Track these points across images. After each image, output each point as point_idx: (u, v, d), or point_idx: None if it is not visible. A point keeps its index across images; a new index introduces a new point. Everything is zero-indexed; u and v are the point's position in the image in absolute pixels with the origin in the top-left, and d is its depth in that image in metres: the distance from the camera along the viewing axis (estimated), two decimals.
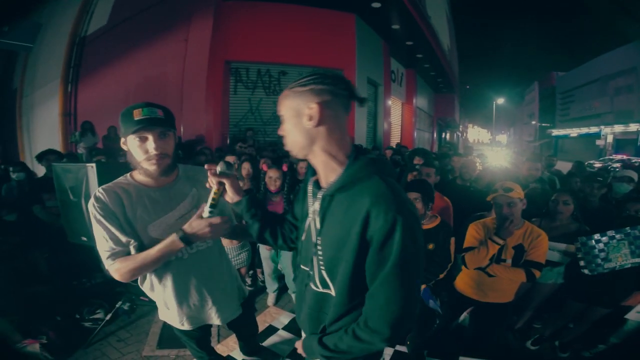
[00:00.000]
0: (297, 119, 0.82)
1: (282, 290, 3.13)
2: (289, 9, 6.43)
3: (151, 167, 1.08)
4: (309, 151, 0.85)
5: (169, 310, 1.27)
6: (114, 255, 1.06)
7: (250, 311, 1.60)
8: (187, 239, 1.03)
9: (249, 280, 3.27)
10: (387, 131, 9.72)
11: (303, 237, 0.96)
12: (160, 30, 6.25)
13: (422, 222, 2.10)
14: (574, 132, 29.98)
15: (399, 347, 2.31)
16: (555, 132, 33.95)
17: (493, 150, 13.56)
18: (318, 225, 0.87)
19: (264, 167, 2.78)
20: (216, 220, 1.03)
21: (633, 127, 21.38)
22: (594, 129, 26.21)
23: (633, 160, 14.52)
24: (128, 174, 1.16)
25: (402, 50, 9.98)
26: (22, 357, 2.07)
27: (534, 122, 40.75)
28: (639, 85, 21.73)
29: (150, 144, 1.05)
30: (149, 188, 1.14)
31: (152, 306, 2.62)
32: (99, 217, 1.05)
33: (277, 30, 6.34)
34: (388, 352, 2.30)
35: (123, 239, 1.07)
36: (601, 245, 1.95)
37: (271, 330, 2.54)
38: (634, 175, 3.15)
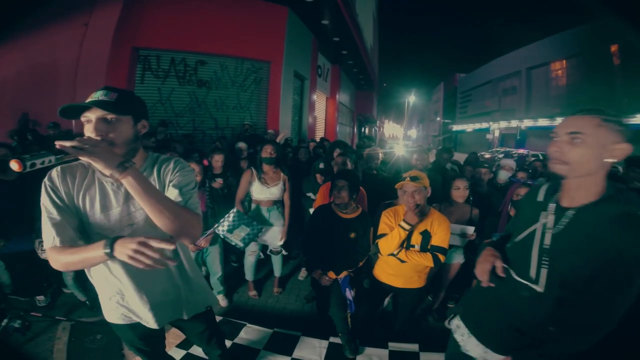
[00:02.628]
0: (601, 151, 0.91)
1: None
2: None
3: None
4: (579, 176, 0.97)
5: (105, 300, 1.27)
6: (53, 241, 1.01)
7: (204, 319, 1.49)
8: (111, 253, 0.92)
9: None
10: (312, 125, 9.88)
11: (518, 239, 1.10)
12: (55, 14, 5.41)
13: (346, 212, 2.17)
14: (469, 127, 35.02)
15: (332, 339, 2.37)
16: (455, 127, 39.23)
17: (401, 143, 15.06)
18: (549, 234, 1.01)
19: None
20: (153, 242, 0.88)
21: (514, 123, 25.93)
22: (485, 125, 31.01)
23: (513, 152, 17.68)
24: None
25: (329, 46, 10.19)
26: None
27: (438, 119, 46.34)
28: (521, 86, 26.17)
29: (89, 127, 0.99)
30: (106, 177, 1.07)
31: (48, 322, 2.38)
32: (45, 197, 1.03)
33: (198, 17, 5.87)
34: (323, 344, 2.35)
35: (67, 225, 1.03)
36: None
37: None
38: (513, 165, 3.80)
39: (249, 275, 2.99)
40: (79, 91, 5.27)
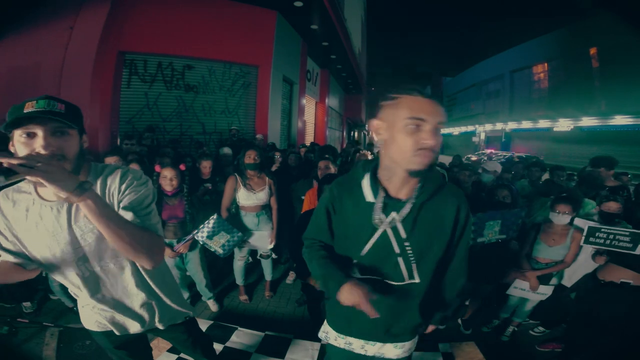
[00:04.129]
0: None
1: (195, 297, 2.94)
2: (204, 1, 6.01)
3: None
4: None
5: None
6: None
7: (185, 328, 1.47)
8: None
9: None
10: (301, 129, 9.92)
11: (367, 248, 1.05)
12: (39, 16, 5.31)
13: None
14: (456, 130, 35.70)
15: (324, 342, 2.40)
16: (442, 130, 39.86)
17: None
18: (402, 229, 1.00)
19: (157, 168, 2.52)
20: None
21: (499, 125, 26.56)
22: (470, 128, 31.65)
23: (499, 154, 18.12)
24: None
25: (318, 50, 10.25)
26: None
27: None
28: (504, 90, 26.84)
29: (39, 141, 0.86)
30: (47, 201, 0.97)
31: (35, 328, 2.36)
32: None
33: (185, 21, 5.84)
34: (315, 346, 2.38)
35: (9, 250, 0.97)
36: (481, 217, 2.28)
37: None
38: (498, 168, 3.92)
39: (239, 279, 2.99)
40: (63, 95, 5.08)
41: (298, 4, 6.53)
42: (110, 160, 2.81)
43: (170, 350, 2.24)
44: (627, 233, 1.87)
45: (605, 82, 17.18)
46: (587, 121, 18.13)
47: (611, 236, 1.89)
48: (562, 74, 20.87)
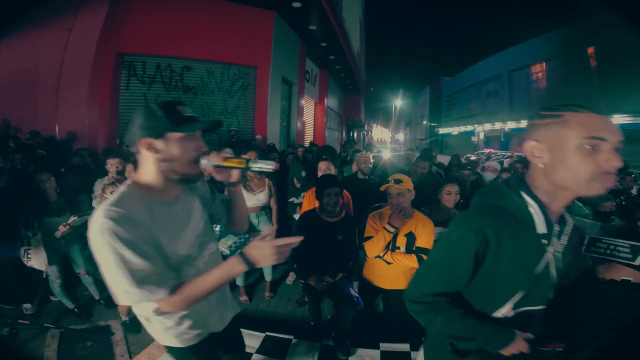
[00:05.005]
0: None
1: None
2: (202, 2, 6.02)
3: (193, 171, 0.98)
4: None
5: (177, 327, 1.10)
6: (155, 296, 0.90)
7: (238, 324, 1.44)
8: (250, 263, 0.93)
9: None
10: (300, 130, 9.93)
11: (534, 276, 0.90)
12: (38, 18, 5.34)
13: (332, 216, 2.22)
14: (455, 130, 35.72)
15: (325, 341, 2.40)
16: (441, 130, 39.95)
17: (389, 147, 15.28)
18: (562, 257, 0.91)
19: None
20: (281, 242, 0.92)
21: (498, 125, 26.58)
22: (470, 128, 31.68)
23: (499, 154, 18.13)
24: (131, 186, 0.97)
25: (317, 51, 10.27)
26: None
27: (424, 122, 47.12)
28: (503, 89, 26.87)
29: (200, 142, 0.98)
30: (164, 202, 1.01)
31: (36, 329, 2.36)
32: (121, 247, 0.85)
33: (184, 23, 5.86)
34: (315, 347, 2.37)
35: (157, 266, 0.91)
36: None
37: None
38: (497, 166, 3.94)
39: (239, 280, 3.00)
40: (62, 97, 5.16)
41: (296, 4, 6.55)
42: (112, 162, 2.82)
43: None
44: (627, 245, 1.90)
45: (604, 81, 17.22)
46: None
47: (612, 247, 1.91)
48: (560, 74, 20.91)
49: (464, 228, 0.89)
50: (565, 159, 0.79)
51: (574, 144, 0.77)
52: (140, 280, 0.87)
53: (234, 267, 0.93)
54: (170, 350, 1.18)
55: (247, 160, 1.03)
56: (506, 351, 0.89)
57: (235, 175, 1.13)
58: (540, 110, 0.86)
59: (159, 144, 0.93)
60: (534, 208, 0.86)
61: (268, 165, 1.05)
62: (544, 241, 0.88)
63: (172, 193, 1.04)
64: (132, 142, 0.96)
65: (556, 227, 0.88)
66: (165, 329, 1.10)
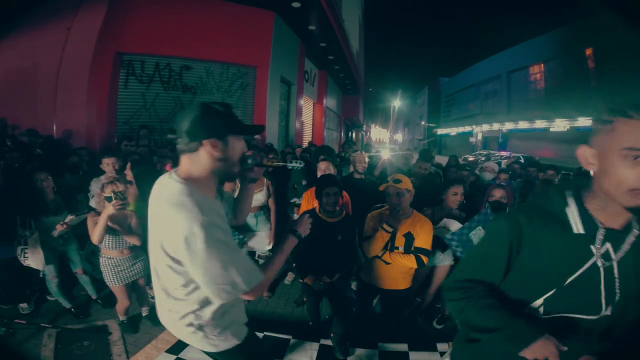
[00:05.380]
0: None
1: None
2: (201, 2, 6.01)
3: (237, 170, 1.09)
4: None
5: (235, 321, 1.18)
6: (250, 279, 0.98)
7: None
8: (300, 235, 1.18)
9: (151, 292, 2.95)
10: (299, 130, 9.93)
11: (570, 280, 0.88)
12: (37, 17, 5.32)
13: (331, 216, 2.22)
14: (453, 131, 35.79)
15: (323, 341, 2.40)
16: (440, 131, 40.03)
17: (388, 147, 15.35)
18: (617, 268, 0.87)
19: (168, 168, 2.53)
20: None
21: (496, 126, 26.64)
22: (468, 128, 31.75)
23: (496, 154, 18.19)
24: (185, 182, 0.99)
25: (316, 51, 10.27)
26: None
27: (423, 123, 47.18)
28: (501, 90, 26.95)
29: (244, 145, 1.08)
30: (210, 198, 1.05)
31: (33, 329, 2.35)
32: (225, 239, 0.94)
33: (183, 22, 5.84)
34: (314, 346, 2.38)
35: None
36: (465, 231, 2.29)
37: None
38: (495, 167, 3.95)
39: None
40: (60, 96, 5.14)
41: (296, 4, 6.54)
42: (108, 161, 2.81)
43: (168, 351, 2.24)
44: None
45: (602, 82, 17.30)
46: (584, 121, 18.25)
47: None
48: (558, 75, 20.99)
49: (502, 219, 0.96)
50: (609, 167, 0.78)
51: (617, 153, 0.75)
52: (246, 269, 0.96)
53: (292, 242, 1.15)
54: (228, 354, 1.15)
55: (286, 160, 1.15)
56: (529, 353, 0.85)
57: (259, 172, 1.23)
58: (595, 112, 0.85)
59: (221, 145, 0.99)
60: (571, 208, 0.87)
61: (299, 164, 1.30)
62: (593, 247, 0.86)
63: (213, 189, 1.09)
64: (191, 139, 0.98)
65: (601, 232, 0.85)
66: (222, 329, 1.10)
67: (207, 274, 0.91)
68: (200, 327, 1.06)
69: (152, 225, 1.02)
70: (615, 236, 0.86)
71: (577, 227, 0.86)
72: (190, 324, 1.06)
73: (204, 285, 0.94)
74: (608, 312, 0.91)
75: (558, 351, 0.83)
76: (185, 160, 1.01)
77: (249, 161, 1.08)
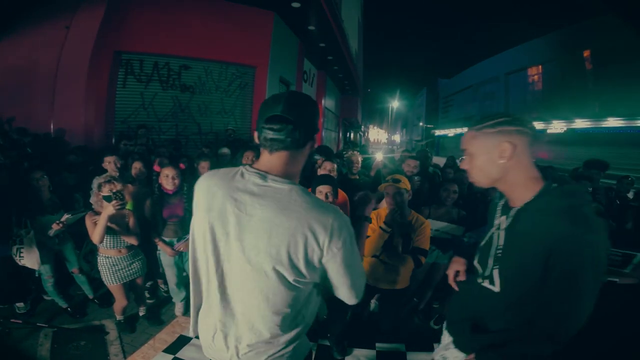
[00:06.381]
0: (488, 157, 0.96)
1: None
2: (200, 1, 6.00)
3: None
4: (498, 181, 0.99)
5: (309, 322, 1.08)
6: None
7: None
8: (369, 218, 1.28)
9: (147, 293, 2.94)
10: None
11: (482, 243, 1.11)
12: (35, 15, 5.30)
13: None
14: (451, 132, 35.89)
15: (321, 341, 2.40)
16: (438, 132, 40.12)
17: (382, 150, 15.42)
18: (502, 235, 1.02)
19: (156, 168, 2.53)
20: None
21: None
22: (466, 129, 31.75)
23: None
24: (299, 186, 0.88)
25: (315, 52, 10.24)
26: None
27: (421, 124, 47.28)
28: (499, 91, 27.08)
29: None
30: None
31: (29, 328, 2.35)
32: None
33: (182, 22, 5.82)
34: (313, 347, 2.37)
35: None
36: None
37: (183, 340, 2.37)
38: None
39: None
40: (58, 95, 5.12)
41: (295, 4, 6.54)
42: (110, 159, 2.82)
43: (165, 350, 2.23)
44: (620, 254, 1.98)
45: (599, 84, 17.39)
46: (581, 123, 18.35)
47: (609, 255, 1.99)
48: (556, 76, 21.10)
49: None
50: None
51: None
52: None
53: (367, 227, 1.23)
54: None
55: None
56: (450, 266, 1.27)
57: None
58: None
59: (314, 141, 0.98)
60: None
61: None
62: (496, 219, 1.10)
63: None
64: (307, 134, 0.90)
65: (500, 207, 1.11)
66: (301, 331, 0.97)
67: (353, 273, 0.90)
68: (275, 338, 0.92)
69: (248, 237, 0.83)
70: (506, 212, 1.03)
71: (500, 202, 1.10)
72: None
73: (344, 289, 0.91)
74: (495, 274, 1.03)
75: (464, 270, 1.19)
76: (286, 157, 0.87)
77: (315, 157, 1.11)
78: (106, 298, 2.74)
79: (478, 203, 2.89)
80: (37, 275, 2.54)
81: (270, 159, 0.87)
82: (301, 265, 0.81)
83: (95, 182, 2.82)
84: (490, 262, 1.05)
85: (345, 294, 0.92)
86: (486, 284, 1.06)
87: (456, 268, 1.23)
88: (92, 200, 2.19)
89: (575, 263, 0.85)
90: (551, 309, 0.92)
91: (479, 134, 0.99)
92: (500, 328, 1.03)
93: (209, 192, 0.89)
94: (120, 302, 2.35)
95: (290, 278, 0.82)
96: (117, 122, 5.61)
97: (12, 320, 2.33)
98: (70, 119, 5.08)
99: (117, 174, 2.72)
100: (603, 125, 17.05)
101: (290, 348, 0.93)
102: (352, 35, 14.21)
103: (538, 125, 22.36)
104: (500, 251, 1.02)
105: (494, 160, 0.95)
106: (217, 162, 3.95)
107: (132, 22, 5.46)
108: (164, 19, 5.70)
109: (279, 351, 0.91)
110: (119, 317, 2.45)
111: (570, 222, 0.85)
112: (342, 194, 2.59)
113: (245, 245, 0.83)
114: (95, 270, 2.34)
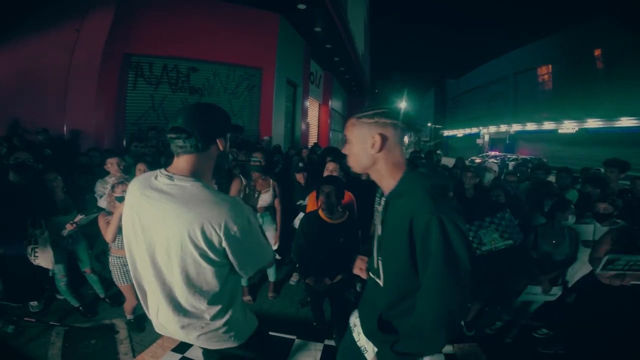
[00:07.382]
0: (363, 145, 0.98)
1: None
2: (208, 4, 6.09)
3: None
4: (369, 169, 1.02)
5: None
6: None
7: None
8: None
9: None
10: (304, 131, 9.95)
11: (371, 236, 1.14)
12: (46, 18, 5.38)
13: (333, 217, 2.21)
14: (460, 132, 35.53)
15: (327, 342, 2.41)
16: (446, 132, 39.76)
17: None
18: (379, 224, 1.04)
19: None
20: None
21: (503, 127, 26.39)
22: (475, 130, 31.49)
23: (503, 156, 18.02)
24: (204, 182, 1.06)
25: (321, 53, 10.29)
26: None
27: (429, 124, 46.88)
28: (508, 91, 26.73)
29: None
30: None
31: (42, 327, 2.40)
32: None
33: (190, 24, 5.92)
34: (318, 347, 2.39)
35: None
36: (471, 234, 2.34)
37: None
38: (494, 166, 3.94)
39: (243, 280, 3.01)
40: (69, 97, 5.22)
41: (301, 6, 6.58)
42: (112, 161, 2.85)
43: (174, 350, 2.26)
44: None
45: (610, 83, 17.02)
46: (592, 123, 18.00)
47: (630, 262, 2.00)
48: (566, 76, 20.72)
49: None
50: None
51: None
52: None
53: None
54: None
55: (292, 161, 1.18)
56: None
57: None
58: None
59: (223, 142, 1.08)
60: None
61: (259, 160, 1.36)
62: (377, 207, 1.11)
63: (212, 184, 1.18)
64: (205, 138, 1.02)
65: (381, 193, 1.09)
66: (225, 307, 1.16)
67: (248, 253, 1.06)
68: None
69: (158, 226, 1.00)
70: (380, 202, 1.07)
71: (379, 192, 1.11)
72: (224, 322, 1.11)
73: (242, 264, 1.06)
74: (380, 267, 1.04)
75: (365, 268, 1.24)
76: (189, 159, 1.03)
77: (230, 156, 1.17)
78: (117, 298, 2.78)
79: (484, 204, 2.86)
80: (50, 274, 2.60)
81: (177, 162, 1.04)
82: (205, 247, 0.98)
83: (99, 185, 2.89)
84: (376, 255, 1.07)
85: (239, 270, 1.07)
86: (376, 278, 1.08)
87: (359, 265, 1.31)
88: (105, 200, 2.24)
89: (428, 245, 0.85)
90: (418, 300, 0.91)
91: (358, 123, 1.00)
92: (391, 323, 1.04)
93: (132, 192, 1.07)
94: (130, 301, 2.39)
95: (199, 257, 0.99)
96: (127, 124, 5.72)
97: (25, 318, 2.40)
98: (82, 121, 5.18)
99: (125, 176, 2.76)
100: (615, 125, 16.68)
101: (219, 323, 1.09)
102: (359, 35, 14.20)
103: (549, 125, 21.93)
104: (379, 243, 1.04)
105: (366, 149, 0.98)
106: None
107: (141, 25, 5.56)
108: (172, 22, 5.79)
109: (208, 325, 1.08)
110: (129, 316, 2.49)
111: (420, 202, 0.87)
112: (348, 194, 2.60)
113: (161, 232, 1.00)
114: (107, 270, 2.38)
